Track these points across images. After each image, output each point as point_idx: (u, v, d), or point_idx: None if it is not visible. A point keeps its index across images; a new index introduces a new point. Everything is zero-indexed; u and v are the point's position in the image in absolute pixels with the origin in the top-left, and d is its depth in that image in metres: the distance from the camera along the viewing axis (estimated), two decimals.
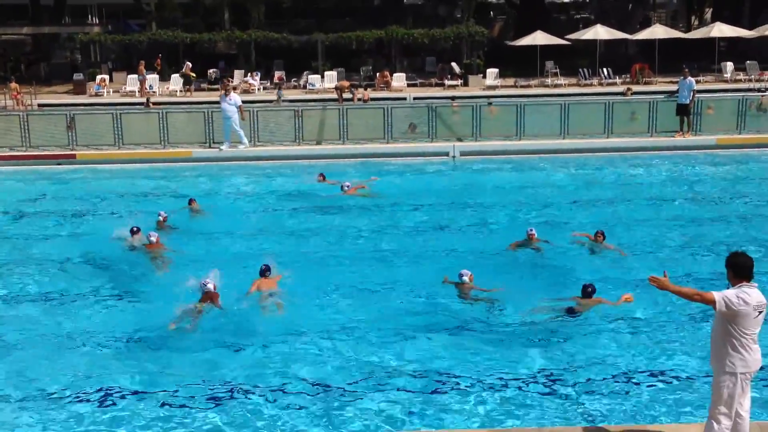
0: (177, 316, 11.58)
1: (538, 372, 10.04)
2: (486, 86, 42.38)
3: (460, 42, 46.34)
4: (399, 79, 43.34)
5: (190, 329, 11.38)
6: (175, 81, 41.96)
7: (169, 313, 11.63)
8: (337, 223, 17.45)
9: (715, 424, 7.21)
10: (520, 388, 9.66)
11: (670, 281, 7.21)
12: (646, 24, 51.31)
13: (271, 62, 46.64)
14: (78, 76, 43.64)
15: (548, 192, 20.30)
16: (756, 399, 9.02)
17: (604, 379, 9.87)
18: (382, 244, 15.92)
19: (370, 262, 14.66)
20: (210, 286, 11.95)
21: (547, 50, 44.20)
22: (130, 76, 42.31)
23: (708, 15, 57.93)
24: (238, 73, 44.29)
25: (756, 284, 7.08)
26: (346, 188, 19.55)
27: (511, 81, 43.43)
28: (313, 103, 35.48)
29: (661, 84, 40.99)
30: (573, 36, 46.38)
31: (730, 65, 42.90)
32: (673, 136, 25.62)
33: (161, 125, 25.19)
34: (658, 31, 45.44)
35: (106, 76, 43.54)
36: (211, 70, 45.58)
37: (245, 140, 24.92)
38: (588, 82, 42.83)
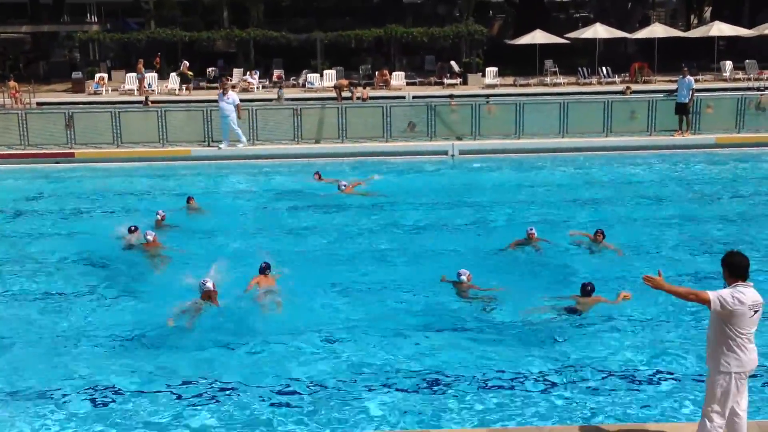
0: (176, 313, 11.59)
1: (537, 371, 10.02)
2: (485, 85, 42.36)
3: (459, 41, 46.31)
4: (398, 78, 43.32)
5: (188, 327, 11.37)
6: (174, 80, 41.95)
7: (166, 312, 11.63)
8: (336, 222, 17.44)
9: (707, 422, 7.21)
10: (519, 387, 9.64)
11: (666, 281, 7.19)
12: (646, 23, 51.27)
13: (270, 61, 46.60)
14: (77, 75, 43.61)
15: (547, 191, 20.29)
16: (756, 398, 9.03)
17: (603, 378, 9.86)
18: (380, 243, 15.90)
19: (369, 261, 14.65)
20: (209, 285, 11.94)
21: (546, 49, 44.18)
22: (128, 75, 42.27)
23: (707, 14, 57.90)
24: (237, 72, 44.24)
25: (752, 284, 7.05)
26: (343, 187, 19.54)
27: (510, 80, 43.39)
28: (312, 102, 35.47)
29: (661, 83, 40.97)
30: (572, 35, 46.36)
31: (729, 64, 42.88)
32: (673, 135, 25.61)
33: (160, 124, 25.17)
34: (657, 30, 45.42)
35: (105, 75, 43.51)
36: (210, 69, 45.56)
37: (243, 139, 24.90)
38: (587, 80, 42.81)
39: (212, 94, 33.00)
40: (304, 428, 8.84)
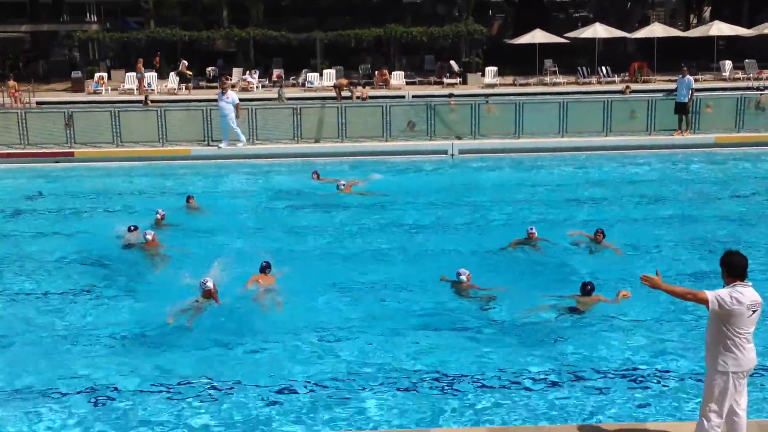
0: (176, 312, 11.61)
1: (537, 370, 10.02)
2: (485, 84, 42.37)
3: (458, 40, 46.32)
4: (398, 78, 43.32)
5: (188, 325, 11.39)
6: (173, 79, 41.95)
7: (165, 311, 11.65)
8: (335, 222, 17.44)
9: (705, 421, 7.22)
10: (519, 386, 9.64)
11: (665, 280, 7.19)
12: (645, 22, 51.29)
13: (269, 60, 46.60)
14: (76, 74, 43.62)
15: (547, 190, 20.29)
16: (756, 398, 9.04)
17: (603, 377, 9.87)
18: (380, 243, 15.90)
19: (368, 261, 14.65)
20: (209, 284, 11.97)
21: (545, 48, 44.18)
22: (128, 74, 42.27)
23: (707, 13, 57.90)
24: (236, 71, 44.23)
25: (750, 283, 7.05)
26: (342, 186, 19.54)
27: (509, 79, 43.40)
28: (311, 101, 35.48)
29: (660, 82, 40.98)
30: (572, 34, 46.36)
31: (728, 64, 42.89)
32: (672, 135, 25.62)
33: (160, 123, 25.16)
34: (656, 30, 45.44)
35: (105, 74, 43.50)
36: (209, 68, 45.56)
37: (242, 138, 24.90)
38: (587, 80, 42.81)
39: (212, 94, 33.02)
40: (303, 428, 8.84)
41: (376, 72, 43.94)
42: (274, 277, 12.90)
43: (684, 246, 15.20)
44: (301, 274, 13.38)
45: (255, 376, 10.00)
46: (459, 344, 10.88)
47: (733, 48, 47.97)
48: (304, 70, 44.20)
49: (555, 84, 42.28)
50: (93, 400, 9.48)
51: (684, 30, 50.71)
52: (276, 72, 44.52)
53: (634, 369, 10.08)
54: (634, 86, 38.61)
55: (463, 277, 12.48)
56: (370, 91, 38.55)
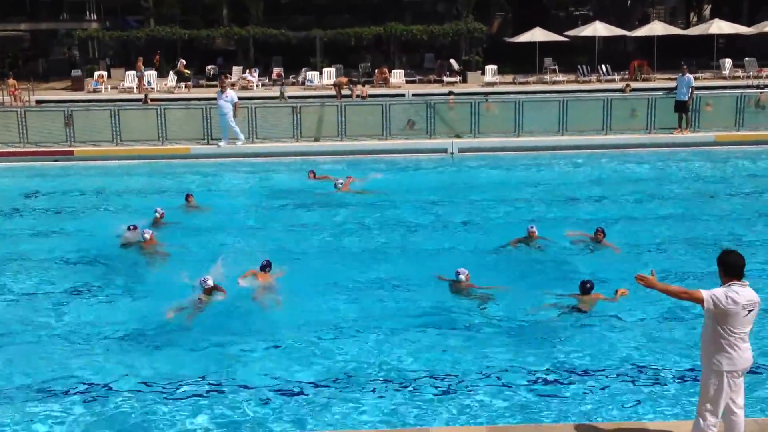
0: (176, 308, 11.65)
1: (537, 369, 10.02)
2: (484, 83, 42.37)
3: (458, 38, 46.31)
4: (397, 76, 43.32)
5: (187, 322, 11.42)
6: (172, 78, 41.95)
7: (163, 310, 11.66)
8: (334, 220, 17.42)
9: (701, 420, 7.21)
10: (519, 385, 9.63)
11: (665, 279, 7.19)
12: (645, 21, 51.28)
13: (269, 59, 46.58)
14: (76, 73, 43.62)
15: (547, 189, 20.26)
16: (757, 396, 9.04)
17: (603, 376, 9.86)
18: (379, 242, 15.89)
19: (367, 260, 14.63)
20: (210, 282, 12.04)
21: (545, 47, 44.17)
22: (128, 73, 42.28)
23: (707, 12, 57.85)
24: (236, 70, 44.24)
25: (747, 283, 7.02)
26: (340, 185, 19.53)
27: (509, 78, 43.39)
28: (311, 100, 35.48)
29: (660, 81, 40.96)
30: (572, 33, 46.35)
31: (728, 62, 42.90)
32: (672, 133, 25.61)
33: (159, 122, 25.15)
34: (656, 28, 45.43)
35: (104, 73, 43.49)
36: (209, 67, 45.56)
37: (241, 136, 24.86)
38: (586, 78, 42.80)
39: (212, 92, 33.00)
40: (302, 427, 8.83)
41: (376, 70, 43.95)
42: (273, 276, 12.90)
43: (683, 244, 15.18)
44: (300, 273, 13.37)
45: (254, 375, 9.99)
46: (458, 343, 10.86)
47: (733, 46, 47.96)
48: (303, 69, 44.20)
49: (555, 82, 42.27)
50: (90, 399, 9.46)
51: (684, 28, 50.70)
52: (276, 70, 44.51)
53: (634, 368, 10.06)
54: (634, 84, 38.62)
55: (462, 277, 12.46)
56: (369, 90, 38.55)
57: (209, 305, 11.95)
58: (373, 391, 9.56)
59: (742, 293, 6.93)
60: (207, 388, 9.67)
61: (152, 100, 34.95)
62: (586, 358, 10.34)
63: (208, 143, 25.12)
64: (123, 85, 41.57)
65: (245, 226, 17.08)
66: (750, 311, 6.95)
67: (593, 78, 42.83)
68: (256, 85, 42.17)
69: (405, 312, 11.99)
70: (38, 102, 37.72)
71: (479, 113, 26.00)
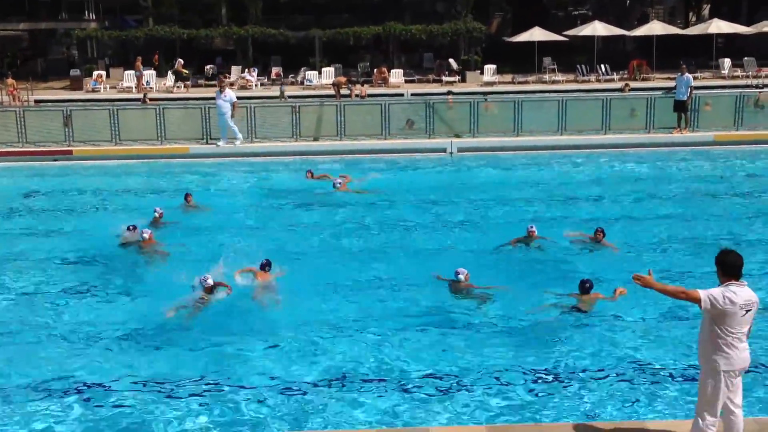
0: (176, 307, 11.66)
1: (537, 368, 10.01)
2: (483, 82, 42.37)
3: (457, 38, 46.30)
4: (396, 75, 43.32)
5: (188, 320, 11.43)
6: (170, 77, 41.93)
7: (162, 310, 11.67)
8: (333, 220, 17.40)
9: (700, 420, 7.21)
10: (519, 384, 9.63)
11: (664, 278, 7.18)
12: (644, 20, 51.26)
13: (268, 58, 46.55)
14: (75, 72, 43.56)
15: (546, 188, 20.26)
16: (757, 396, 9.03)
17: (603, 375, 9.86)
18: (379, 242, 15.87)
19: (366, 259, 14.61)
20: (209, 281, 12.10)
21: (544, 46, 44.17)
22: (127, 72, 42.24)
23: (706, 11, 57.87)
24: (235, 69, 44.21)
25: (745, 283, 7.01)
26: (338, 184, 19.53)
27: (508, 77, 43.37)
28: (310, 99, 35.47)
29: (659, 80, 40.96)
30: (571, 32, 46.34)
31: (727, 62, 42.90)
32: (671, 133, 25.61)
33: (158, 121, 25.13)
34: (655, 28, 45.44)
35: (103, 72, 43.45)
36: (208, 66, 45.51)
37: (239, 135, 24.83)
38: (586, 78, 42.80)
39: (210, 92, 32.96)
40: (301, 427, 8.82)
41: (375, 70, 43.93)
42: (273, 275, 12.90)
43: (683, 244, 15.18)
44: (299, 272, 13.36)
45: (253, 375, 9.98)
46: (458, 343, 10.86)
47: (732, 46, 47.97)
48: (302, 68, 44.19)
49: (554, 82, 42.27)
50: (89, 399, 9.45)
51: (683, 28, 50.70)
52: (275, 70, 44.49)
53: (634, 367, 10.06)
54: (633, 84, 38.62)
55: (462, 277, 12.44)
56: (368, 89, 38.53)
57: (209, 304, 11.95)
58: (373, 390, 9.55)
59: (740, 293, 6.92)
60: (206, 387, 9.66)
61: (151, 99, 34.93)
62: (586, 358, 10.34)
63: (207, 143, 25.11)
64: (122, 84, 41.54)
65: (244, 226, 17.07)
66: (748, 311, 6.94)
67: (592, 78, 42.83)
68: (255, 85, 42.15)
69: (404, 312, 11.98)
70: (37, 102, 37.70)
71: (478, 113, 25.99)
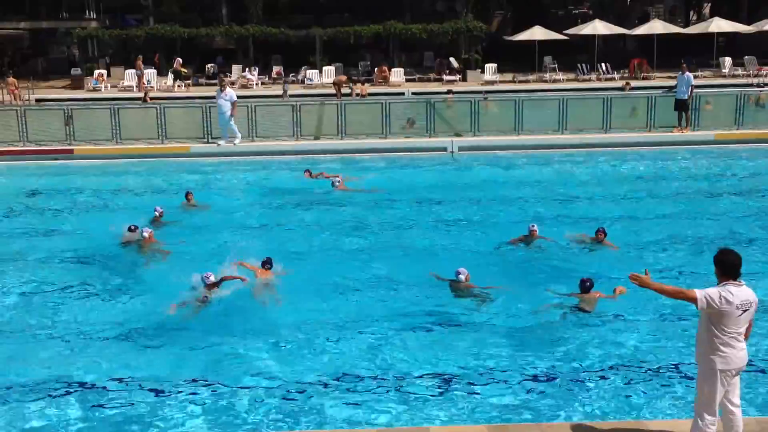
0: (179, 302, 11.69)
1: (536, 368, 10.01)
2: (484, 81, 42.36)
3: (458, 37, 46.29)
4: (397, 74, 43.32)
5: (190, 317, 11.45)
6: (169, 76, 41.94)
7: (160, 309, 11.66)
8: (333, 219, 17.38)
9: (699, 420, 7.22)
10: (518, 384, 9.63)
11: (663, 277, 7.18)
12: (645, 19, 51.26)
13: (269, 57, 46.55)
14: (75, 71, 43.58)
15: (546, 187, 20.26)
16: (757, 396, 9.03)
17: (603, 375, 9.86)
18: (379, 241, 15.87)
19: (367, 259, 14.60)
20: (212, 278, 12.17)
21: (545, 45, 44.17)
22: (127, 71, 42.24)
23: (706, 10, 57.86)
24: (236, 68, 44.21)
25: (743, 282, 7.00)
26: (337, 183, 19.54)
27: (509, 76, 43.38)
28: (311, 98, 35.47)
29: (660, 79, 40.96)
30: (571, 31, 46.35)
31: (728, 60, 42.90)
32: (672, 132, 25.61)
33: (159, 120, 25.13)
34: (656, 27, 45.42)
35: (104, 71, 43.45)
36: (208, 65, 45.51)
37: (238, 134, 24.80)
38: (586, 77, 42.80)
39: (211, 91, 32.96)
40: (300, 427, 8.83)
41: (376, 69, 43.94)
42: (274, 273, 12.91)
43: (683, 243, 15.17)
44: (299, 271, 13.37)
45: (252, 374, 9.97)
46: (458, 343, 10.85)
47: (733, 45, 47.97)
48: (303, 67, 44.18)
49: (554, 81, 42.27)
50: (88, 398, 9.45)
51: (683, 27, 50.68)
52: (276, 69, 44.49)
53: (634, 367, 10.06)
54: (633, 83, 38.61)
55: (462, 277, 12.42)
56: (369, 88, 38.53)
57: (211, 302, 11.96)
58: (373, 390, 9.55)
59: (737, 293, 6.91)
60: (206, 387, 9.65)
61: (152, 98, 34.93)
62: (586, 358, 10.33)
63: (207, 142, 25.11)
64: (122, 83, 41.54)
65: (245, 225, 17.07)
66: (745, 311, 6.94)
67: (593, 76, 42.83)
68: (256, 84, 42.15)
69: (404, 311, 11.97)
70: (38, 101, 37.70)
71: (479, 112, 25.99)
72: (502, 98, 31.50)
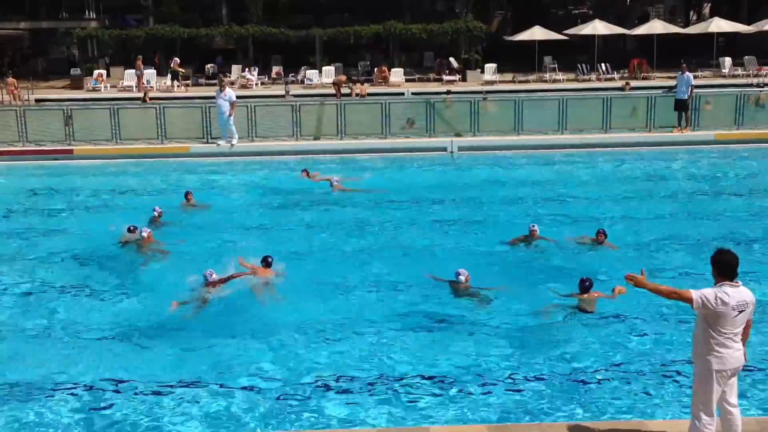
0: (181, 300, 11.72)
1: (537, 368, 10.00)
2: (484, 81, 42.37)
3: (458, 37, 46.29)
4: (397, 75, 43.32)
5: (191, 315, 11.44)
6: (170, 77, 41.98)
7: (158, 309, 11.65)
8: (332, 220, 17.37)
9: (696, 421, 7.21)
10: (518, 384, 9.62)
11: (662, 277, 7.17)
12: (645, 19, 51.26)
13: (269, 57, 46.56)
14: (75, 71, 43.58)
15: (546, 187, 20.25)
16: (758, 395, 9.02)
17: (602, 375, 9.85)
18: (378, 241, 15.85)
19: (366, 259, 14.59)
20: (214, 276, 12.23)
21: (545, 45, 44.18)
22: (127, 71, 42.24)
23: (706, 10, 57.87)
24: (235, 69, 44.20)
25: (739, 283, 6.99)
26: (335, 183, 19.52)
27: (509, 76, 43.38)
28: (311, 99, 35.47)
29: (660, 79, 40.97)
30: (571, 31, 46.36)
31: (728, 60, 42.90)
32: (672, 132, 25.60)
33: (159, 121, 25.13)
34: (656, 27, 45.43)
35: (104, 72, 43.45)
36: (208, 65, 45.52)
37: (235, 135, 24.71)
38: (586, 77, 42.81)
39: (211, 91, 32.97)
40: (300, 427, 8.82)
41: (376, 69, 43.93)
42: (274, 272, 12.91)
43: (683, 243, 15.15)
44: (299, 271, 13.35)
45: (252, 374, 9.96)
46: (458, 343, 10.83)
47: (733, 45, 47.97)
48: (303, 67, 44.18)
49: (554, 81, 42.28)
50: (87, 398, 9.44)
51: (683, 27, 50.69)
52: (275, 69, 44.49)
53: (634, 367, 10.04)
54: (633, 83, 38.61)
55: (462, 278, 12.40)
56: (369, 88, 38.52)
57: (211, 301, 11.95)
58: (373, 390, 9.54)
59: (733, 294, 6.90)
60: (205, 387, 9.63)
61: (151, 98, 34.92)
62: (586, 357, 10.31)
63: (207, 142, 25.10)
64: (122, 83, 41.56)
65: (244, 225, 17.05)
66: (741, 312, 6.92)
67: (593, 76, 42.84)
68: (256, 84, 42.14)
69: (404, 311, 11.94)
70: (37, 101, 37.69)
71: (479, 112, 25.99)
72: (502, 98, 31.47)
